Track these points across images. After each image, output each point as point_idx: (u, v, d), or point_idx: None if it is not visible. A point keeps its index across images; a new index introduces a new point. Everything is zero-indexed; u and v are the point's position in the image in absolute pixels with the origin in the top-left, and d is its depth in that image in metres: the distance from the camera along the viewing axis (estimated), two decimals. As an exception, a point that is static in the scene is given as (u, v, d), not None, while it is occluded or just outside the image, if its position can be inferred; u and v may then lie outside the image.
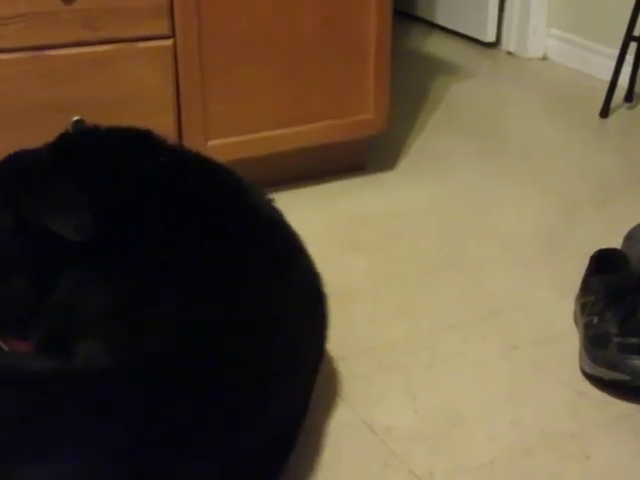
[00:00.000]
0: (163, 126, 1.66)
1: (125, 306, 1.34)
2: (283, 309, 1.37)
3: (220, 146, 2.14)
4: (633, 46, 2.93)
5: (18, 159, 1.57)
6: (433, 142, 2.74)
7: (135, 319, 1.31)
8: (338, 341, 1.64)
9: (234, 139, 2.19)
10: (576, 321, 1.78)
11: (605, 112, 2.92)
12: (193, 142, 1.96)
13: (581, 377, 1.65)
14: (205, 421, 1.19)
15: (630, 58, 2.96)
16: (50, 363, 1.29)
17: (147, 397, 1.17)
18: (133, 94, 2.03)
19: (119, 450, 1.12)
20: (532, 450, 1.47)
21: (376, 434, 1.49)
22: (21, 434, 1.11)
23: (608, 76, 2.92)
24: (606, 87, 2.91)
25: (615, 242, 1.95)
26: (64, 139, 1.58)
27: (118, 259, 1.40)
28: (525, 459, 1.45)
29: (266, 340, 1.30)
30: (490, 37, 3.66)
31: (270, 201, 1.55)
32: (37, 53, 1.92)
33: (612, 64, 2.92)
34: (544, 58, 3.54)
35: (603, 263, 1.83)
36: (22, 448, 1.09)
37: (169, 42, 2.04)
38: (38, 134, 1.94)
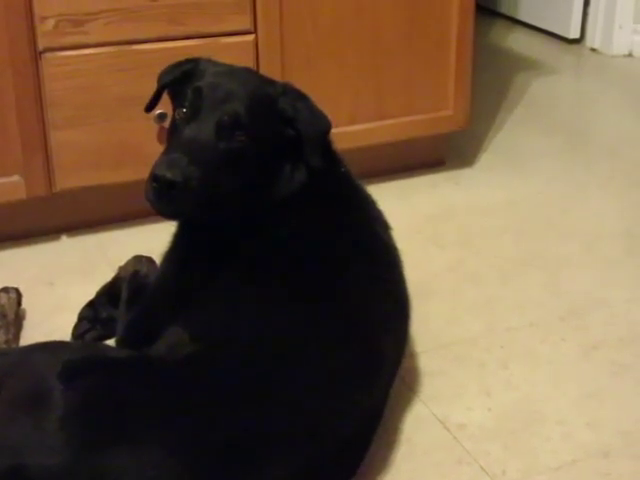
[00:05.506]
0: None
1: (214, 299, 1.36)
2: (373, 322, 1.37)
3: (299, 141, 2.15)
4: None
5: None
6: (513, 139, 2.71)
7: (222, 312, 1.33)
8: (414, 336, 1.64)
9: (313, 134, 2.20)
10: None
11: (692, 110, 2.86)
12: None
13: (662, 380, 1.62)
14: (283, 414, 1.20)
15: None
16: (129, 352, 1.33)
17: (226, 385, 1.20)
18: (215, 89, 2.05)
19: (198, 436, 1.14)
20: (610, 453, 1.44)
21: (449, 431, 1.49)
22: (105, 418, 1.13)
23: (697, 74, 2.86)
24: (694, 85, 2.85)
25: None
26: None
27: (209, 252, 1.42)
28: (602, 462, 1.43)
29: (348, 346, 1.31)
30: (574, 33, 3.60)
31: (379, 216, 1.53)
32: (122, 48, 1.96)
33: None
34: (630, 55, 3.47)
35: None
36: (105, 432, 1.12)
37: (251, 37, 2.07)
38: (123, 128, 2.00)
